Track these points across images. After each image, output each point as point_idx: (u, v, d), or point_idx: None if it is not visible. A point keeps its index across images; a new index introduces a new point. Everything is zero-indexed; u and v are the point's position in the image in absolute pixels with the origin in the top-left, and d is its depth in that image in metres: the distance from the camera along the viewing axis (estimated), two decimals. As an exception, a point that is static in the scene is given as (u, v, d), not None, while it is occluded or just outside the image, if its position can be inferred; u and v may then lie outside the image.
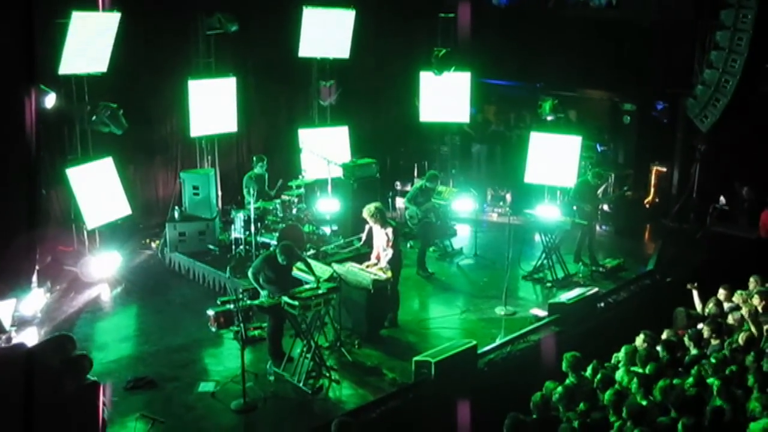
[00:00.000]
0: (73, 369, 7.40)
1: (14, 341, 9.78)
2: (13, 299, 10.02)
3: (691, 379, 7.64)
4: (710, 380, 7.58)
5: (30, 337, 10.07)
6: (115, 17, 11.48)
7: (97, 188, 11.96)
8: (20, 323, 10.30)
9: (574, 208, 12.65)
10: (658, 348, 8.53)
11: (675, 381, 7.51)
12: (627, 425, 6.88)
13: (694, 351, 8.57)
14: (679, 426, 6.61)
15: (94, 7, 11.36)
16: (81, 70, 11.45)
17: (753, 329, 8.77)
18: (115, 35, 11.55)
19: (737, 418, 6.95)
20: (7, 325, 9.93)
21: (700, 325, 9.31)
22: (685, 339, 8.77)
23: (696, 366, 7.95)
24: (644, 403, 7.20)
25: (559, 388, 7.49)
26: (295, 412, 8.82)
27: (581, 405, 7.27)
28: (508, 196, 15.21)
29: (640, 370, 7.93)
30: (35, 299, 10.65)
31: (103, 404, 7.46)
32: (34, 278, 10.78)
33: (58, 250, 12.16)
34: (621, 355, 8.40)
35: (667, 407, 7.10)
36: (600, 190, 13.11)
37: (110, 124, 11.69)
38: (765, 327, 8.79)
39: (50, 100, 10.55)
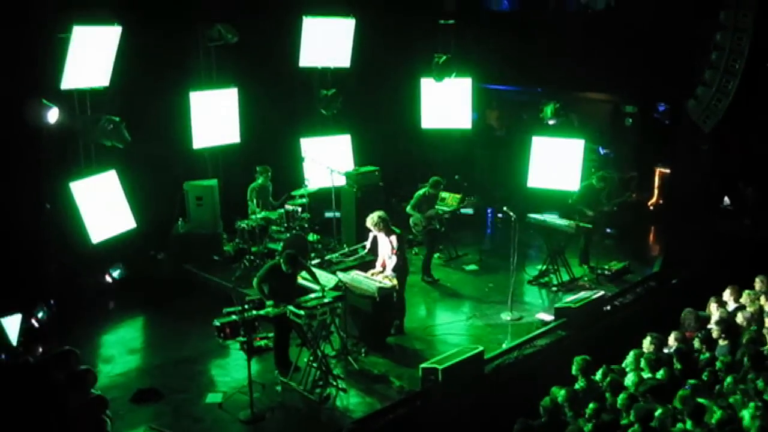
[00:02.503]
0: (78, 383, 7.41)
1: (20, 356, 9.77)
2: (19, 314, 10.02)
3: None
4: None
5: (36, 352, 10.06)
6: (115, 31, 11.52)
7: (101, 201, 11.96)
8: (26, 338, 10.28)
9: (578, 211, 12.61)
10: (665, 350, 8.50)
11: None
12: (635, 427, 6.85)
13: (706, 354, 8.52)
14: None
15: (95, 21, 11.39)
16: (83, 84, 11.48)
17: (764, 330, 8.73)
18: (116, 49, 11.60)
19: None
20: (13, 339, 9.91)
21: (710, 326, 9.25)
22: (696, 342, 8.71)
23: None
24: (659, 410, 7.14)
25: (563, 392, 7.45)
26: (303, 421, 8.82)
27: (590, 405, 7.24)
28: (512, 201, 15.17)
29: (649, 375, 7.89)
30: (40, 313, 10.63)
31: (109, 418, 7.45)
32: (40, 292, 10.80)
33: (62, 264, 12.16)
34: (630, 359, 8.35)
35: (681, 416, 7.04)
36: (604, 194, 13.07)
37: (113, 138, 11.70)
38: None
39: (53, 115, 10.57)
